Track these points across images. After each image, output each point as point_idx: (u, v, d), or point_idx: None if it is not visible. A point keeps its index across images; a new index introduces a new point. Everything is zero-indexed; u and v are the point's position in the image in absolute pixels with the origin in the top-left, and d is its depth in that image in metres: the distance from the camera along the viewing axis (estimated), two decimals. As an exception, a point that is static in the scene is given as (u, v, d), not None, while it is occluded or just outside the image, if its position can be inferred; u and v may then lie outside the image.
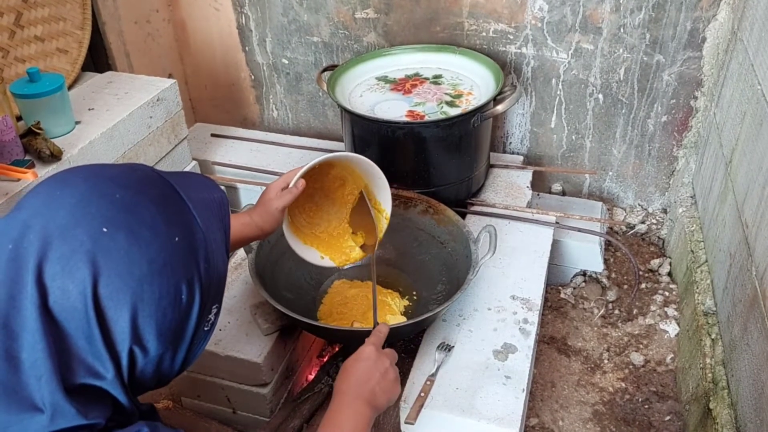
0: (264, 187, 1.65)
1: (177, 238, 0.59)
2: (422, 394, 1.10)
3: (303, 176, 1.06)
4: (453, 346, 1.19)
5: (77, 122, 1.38)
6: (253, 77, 1.99)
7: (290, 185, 1.05)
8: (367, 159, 1.12)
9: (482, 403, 1.09)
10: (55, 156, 1.25)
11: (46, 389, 0.54)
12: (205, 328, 0.65)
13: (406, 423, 1.07)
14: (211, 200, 0.66)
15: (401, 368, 1.39)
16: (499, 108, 1.43)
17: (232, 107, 2.08)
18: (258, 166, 1.74)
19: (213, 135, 1.90)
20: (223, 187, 1.72)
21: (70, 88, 1.51)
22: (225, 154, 1.81)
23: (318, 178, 1.15)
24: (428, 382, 1.12)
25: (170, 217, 0.60)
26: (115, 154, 1.39)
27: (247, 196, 1.75)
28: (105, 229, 0.56)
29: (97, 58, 1.70)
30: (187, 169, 1.65)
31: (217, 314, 0.66)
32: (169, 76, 1.93)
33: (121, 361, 0.58)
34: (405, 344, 1.44)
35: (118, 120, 1.39)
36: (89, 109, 1.43)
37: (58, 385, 0.55)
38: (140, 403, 0.66)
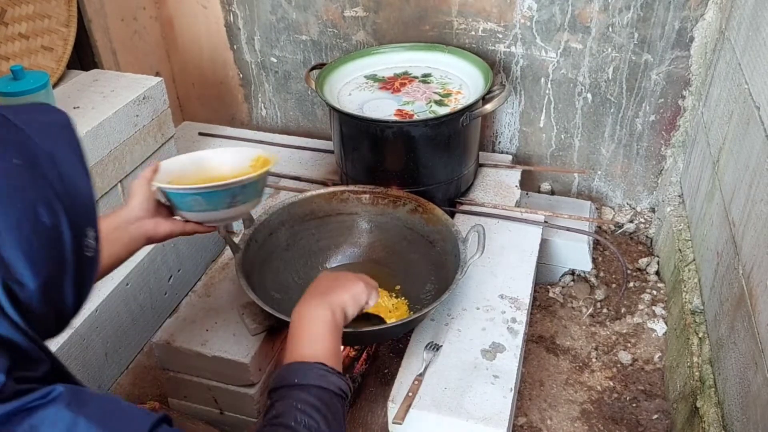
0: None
1: (15, 160, 0.57)
2: (410, 394, 1.09)
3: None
4: (441, 346, 1.19)
5: (62, 120, 1.36)
6: (241, 75, 1.98)
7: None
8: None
9: (470, 403, 1.08)
10: (39, 154, 1.23)
11: None
12: (88, 254, 0.62)
13: (393, 423, 1.07)
14: (49, 122, 0.63)
15: (390, 368, 1.40)
16: (488, 107, 1.43)
17: (220, 106, 2.07)
18: (246, 164, 1.73)
19: (201, 134, 1.89)
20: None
21: (55, 86, 1.49)
22: (213, 153, 1.80)
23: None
24: (416, 382, 1.11)
25: (1, 141, 0.57)
26: (100, 152, 1.38)
27: (235, 195, 1.74)
28: None
29: (83, 56, 1.68)
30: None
31: (97, 239, 0.63)
32: (156, 74, 1.92)
33: None
34: (393, 344, 1.44)
35: (103, 118, 1.38)
36: (74, 108, 1.41)
37: None
38: (54, 355, 0.62)
